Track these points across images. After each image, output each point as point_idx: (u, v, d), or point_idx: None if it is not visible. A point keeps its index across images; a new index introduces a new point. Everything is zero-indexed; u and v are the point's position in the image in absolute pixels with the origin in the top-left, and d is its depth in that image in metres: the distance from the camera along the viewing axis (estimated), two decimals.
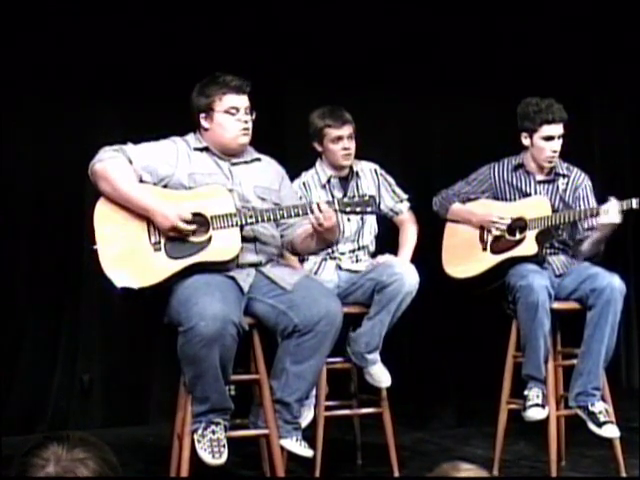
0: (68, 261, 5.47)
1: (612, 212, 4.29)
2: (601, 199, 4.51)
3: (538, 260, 4.48)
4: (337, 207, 3.91)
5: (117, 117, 5.50)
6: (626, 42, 6.19)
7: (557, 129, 4.45)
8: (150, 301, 3.89)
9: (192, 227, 3.80)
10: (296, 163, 4.71)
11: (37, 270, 5.45)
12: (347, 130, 4.54)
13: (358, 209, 3.94)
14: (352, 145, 4.56)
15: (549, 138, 4.46)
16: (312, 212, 3.82)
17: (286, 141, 5.62)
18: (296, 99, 5.77)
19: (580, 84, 6.24)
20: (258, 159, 4.11)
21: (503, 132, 4.76)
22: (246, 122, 3.96)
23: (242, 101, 3.96)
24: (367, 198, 3.95)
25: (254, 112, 3.99)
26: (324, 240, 4.02)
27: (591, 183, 4.62)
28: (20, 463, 1.64)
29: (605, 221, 4.31)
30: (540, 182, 4.58)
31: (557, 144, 4.48)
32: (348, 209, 3.94)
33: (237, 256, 3.85)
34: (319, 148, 4.61)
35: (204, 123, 3.99)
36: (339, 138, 4.53)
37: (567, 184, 4.58)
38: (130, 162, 3.85)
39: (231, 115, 3.95)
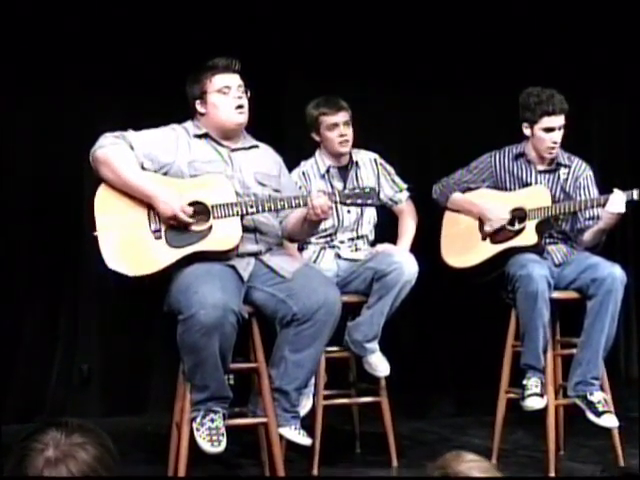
0: (67, 250, 5.46)
1: (618, 202, 4.28)
2: (601, 190, 4.51)
3: (538, 250, 4.47)
4: (338, 199, 3.91)
5: (117, 107, 5.48)
6: (627, 38, 6.18)
7: (557, 120, 4.43)
8: (150, 289, 3.89)
9: (192, 219, 3.80)
10: (295, 153, 4.70)
11: (36, 259, 5.45)
12: (343, 117, 4.54)
13: (359, 201, 3.94)
14: (349, 131, 4.55)
15: (549, 130, 4.45)
16: (312, 203, 3.81)
17: (285, 131, 5.61)
18: (295, 89, 5.76)
19: (579, 75, 6.23)
20: (256, 146, 4.11)
21: (503, 120, 4.77)
22: (240, 98, 3.95)
23: (233, 80, 3.96)
24: (368, 190, 3.94)
25: (248, 91, 3.99)
26: (315, 228, 4.04)
27: (592, 173, 4.61)
28: (19, 448, 1.65)
29: (613, 210, 4.30)
30: (541, 172, 4.57)
31: (558, 135, 4.46)
32: (349, 201, 3.94)
33: (237, 245, 3.85)
34: (317, 138, 4.61)
35: (200, 108, 3.99)
36: (335, 125, 4.53)
37: (568, 174, 4.57)
38: (131, 148, 3.85)
39: (223, 94, 3.95)
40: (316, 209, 3.80)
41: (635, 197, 4.29)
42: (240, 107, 3.95)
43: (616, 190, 4.32)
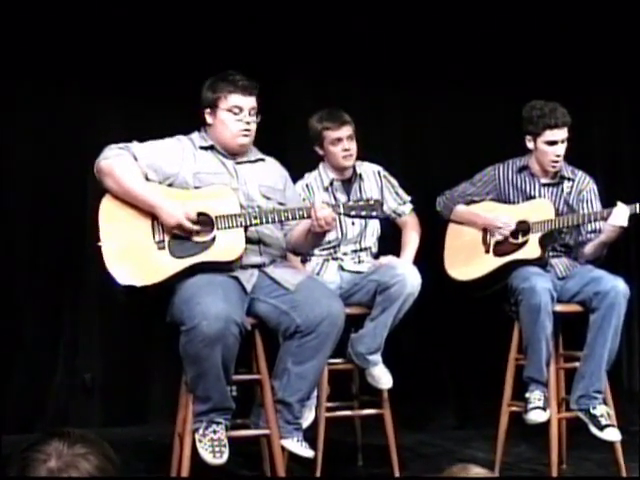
0: (69, 259, 5.46)
1: (621, 216, 4.29)
2: (603, 203, 4.50)
3: (541, 263, 4.47)
4: (342, 211, 3.92)
5: (118, 115, 5.49)
6: (628, 42, 6.18)
7: (560, 134, 4.44)
8: (153, 300, 3.89)
9: (197, 227, 3.81)
10: (298, 166, 4.70)
11: (38, 268, 5.45)
12: (346, 131, 4.54)
13: (363, 213, 3.94)
14: (352, 146, 4.55)
15: (552, 143, 4.45)
16: (316, 215, 3.81)
17: (288, 144, 5.60)
18: (297, 100, 5.77)
19: (581, 86, 6.23)
20: (262, 159, 4.12)
21: (506, 133, 4.77)
22: (248, 123, 3.96)
23: (247, 102, 3.96)
24: (372, 202, 3.94)
25: (259, 115, 3.99)
26: (318, 241, 4.04)
27: (596, 187, 4.61)
28: (21, 458, 1.64)
29: (615, 223, 4.30)
30: (545, 185, 4.57)
31: (561, 148, 4.47)
32: (353, 213, 3.94)
33: (241, 257, 3.85)
34: (320, 152, 4.61)
35: (208, 118, 4.00)
36: (338, 139, 4.53)
37: (572, 187, 4.57)
38: (135, 159, 3.86)
39: (234, 114, 3.95)
40: (320, 220, 3.80)
41: (638, 210, 4.29)
42: (247, 130, 3.96)
43: (619, 203, 4.32)
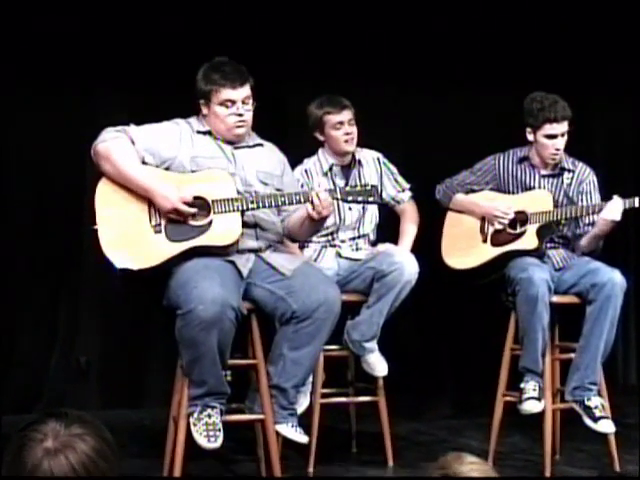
0: (67, 243, 5.46)
1: (615, 210, 4.28)
2: (603, 196, 4.50)
3: (538, 254, 4.47)
4: (339, 196, 3.91)
5: (118, 101, 5.48)
6: (627, 39, 6.17)
7: (560, 127, 4.42)
8: (149, 284, 3.89)
9: (192, 210, 3.80)
10: (298, 151, 4.69)
11: (36, 251, 5.45)
12: (347, 115, 4.53)
13: (360, 198, 3.94)
14: (353, 129, 4.55)
15: (552, 136, 4.44)
16: (312, 201, 3.81)
17: (288, 129, 5.60)
18: (297, 87, 5.76)
19: (581, 80, 6.22)
20: (260, 144, 4.11)
21: (506, 122, 4.76)
22: (241, 115, 3.94)
23: (238, 94, 3.93)
24: (369, 188, 3.95)
25: (254, 102, 3.98)
26: (315, 227, 4.04)
27: (596, 179, 4.60)
28: (19, 437, 1.65)
29: (608, 217, 4.30)
30: (545, 176, 4.56)
31: (560, 142, 4.46)
32: (350, 198, 3.94)
33: (237, 241, 3.85)
34: (321, 137, 4.59)
35: (203, 109, 3.99)
36: (340, 123, 4.52)
37: (572, 179, 4.56)
38: (133, 143, 3.85)
39: (226, 108, 3.94)
40: (317, 206, 3.79)
41: (636, 204, 4.29)
42: (241, 121, 3.95)
43: (615, 197, 4.32)
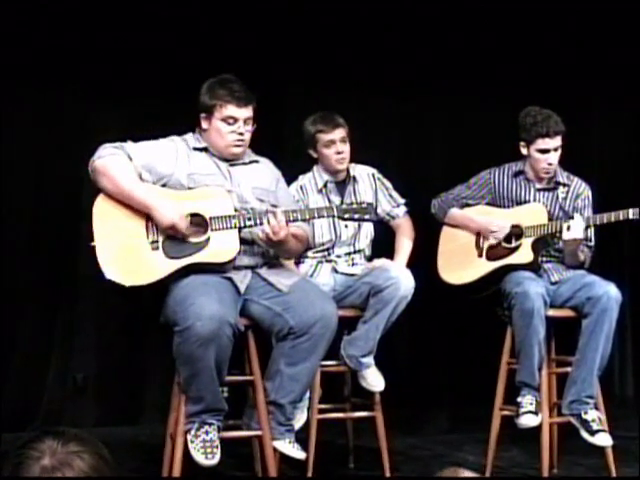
0: (64, 259, 5.47)
1: (575, 229, 4.31)
2: (600, 210, 4.52)
3: (534, 268, 4.48)
4: (335, 213, 3.93)
5: (116, 117, 5.49)
6: (620, 55, 6.21)
7: (552, 142, 4.45)
8: (146, 300, 3.89)
9: (191, 228, 3.81)
10: (294, 166, 4.71)
11: (33, 267, 5.45)
12: (339, 134, 4.54)
13: (356, 216, 3.95)
14: (346, 148, 4.56)
15: (544, 151, 4.47)
16: (268, 221, 3.80)
17: (284, 144, 5.62)
18: (295, 102, 5.78)
19: (580, 93, 6.25)
20: (256, 161, 4.12)
21: (503, 136, 4.78)
22: (241, 134, 3.96)
23: (242, 113, 3.95)
24: (365, 205, 3.96)
25: (255, 123, 3.99)
26: (278, 248, 3.98)
27: (591, 194, 4.62)
28: (16, 455, 1.65)
29: (567, 237, 4.34)
30: (539, 190, 4.58)
31: (553, 157, 4.48)
32: (346, 215, 3.95)
33: (235, 258, 3.85)
34: (314, 154, 4.61)
35: (203, 123, 4.00)
36: (332, 142, 4.54)
37: (567, 193, 4.58)
38: (130, 159, 3.86)
39: (228, 124, 3.95)
40: (273, 227, 3.78)
41: (631, 216, 4.30)
42: (240, 140, 3.97)
43: (576, 216, 4.36)
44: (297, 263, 4.52)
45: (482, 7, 5.98)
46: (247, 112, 3.96)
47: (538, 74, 6.07)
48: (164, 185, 3.90)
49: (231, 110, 3.94)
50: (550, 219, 4.48)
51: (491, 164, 4.70)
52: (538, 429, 4.32)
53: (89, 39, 5.37)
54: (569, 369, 4.38)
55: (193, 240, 3.82)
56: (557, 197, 4.57)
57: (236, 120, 3.95)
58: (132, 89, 5.46)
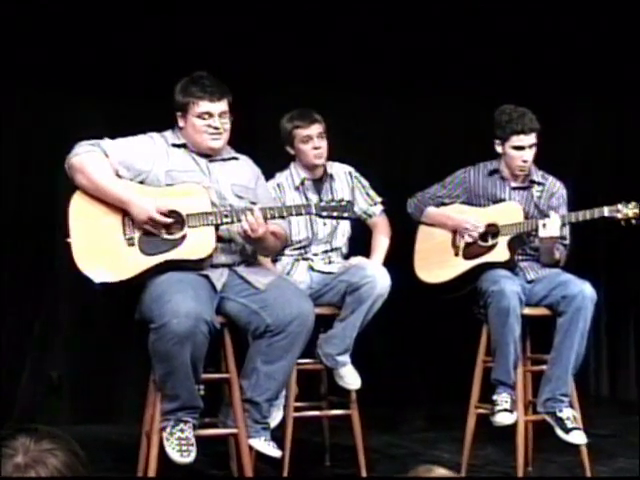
0: (39, 258, 5.44)
1: (551, 226, 4.33)
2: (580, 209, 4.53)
3: (510, 266, 4.50)
4: (314, 211, 3.92)
5: (92, 114, 5.47)
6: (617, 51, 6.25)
7: (527, 139, 4.46)
8: (122, 297, 3.88)
9: (169, 219, 3.79)
10: (269, 164, 4.69)
11: (7, 267, 5.42)
12: (316, 129, 4.54)
13: (335, 214, 3.95)
14: (323, 144, 4.55)
15: (519, 148, 4.48)
16: (246, 218, 3.79)
17: (258, 142, 5.60)
18: (269, 99, 5.77)
19: (564, 93, 6.28)
20: (235, 158, 4.12)
21: (483, 135, 4.78)
22: (217, 128, 3.95)
23: (216, 107, 3.95)
24: (345, 203, 3.96)
25: (231, 116, 3.99)
26: (258, 245, 3.99)
27: (566, 192, 4.64)
28: None
29: (543, 235, 4.36)
30: (515, 188, 4.60)
31: (528, 154, 4.50)
32: (325, 213, 3.95)
33: (211, 255, 3.85)
34: (291, 151, 4.61)
35: (180, 122, 4.00)
36: (309, 137, 4.53)
37: (542, 192, 4.60)
38: (106, 156, 3.85)
39: (203, 120, 3.95)
40: (252, 224, 3.78)
41: (606, 214, 4.33)
42: (217, 134, 3.96)
43: (552, 213, 4.37)
44: (274, 261, 4.51)
45: (459, 6, 5.99)
46: (221, 106, 3.95)
47: (519, 74, 6.08)
48: (142, 182, 3.89)
49: (204, 106, 3.94)
50: (525, 217, 4.50)
51: (472, 163, 4.70)
52: (513, 427, 4.33)
53: (65, 38, 5.35)
54: (544, 367, 4.41)
55: (169, 237, 3.81)
56: (532, 195, 4.59)
57: (211, 115, 3.94)
58: (108, 88, 5.44)
